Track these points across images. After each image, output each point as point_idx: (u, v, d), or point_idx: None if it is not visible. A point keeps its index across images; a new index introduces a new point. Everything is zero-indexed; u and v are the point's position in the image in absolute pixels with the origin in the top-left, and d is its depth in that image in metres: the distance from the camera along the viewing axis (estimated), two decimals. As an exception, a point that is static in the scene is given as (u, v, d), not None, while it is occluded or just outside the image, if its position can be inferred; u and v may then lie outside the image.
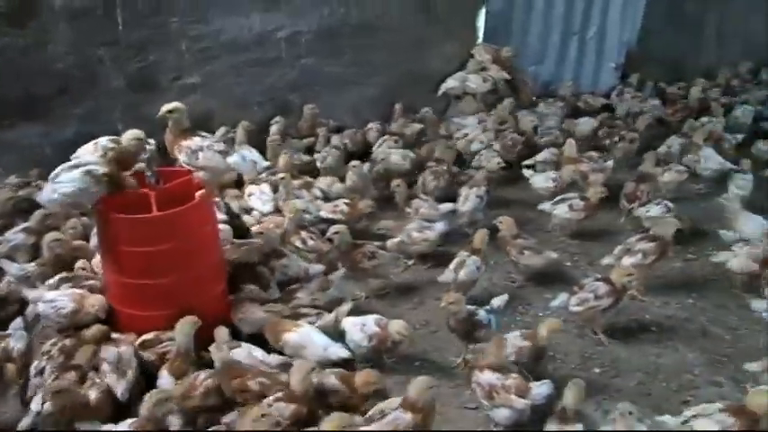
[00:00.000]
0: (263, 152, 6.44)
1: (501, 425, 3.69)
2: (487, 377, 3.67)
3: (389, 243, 5.30)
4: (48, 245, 4.70)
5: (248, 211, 5.71)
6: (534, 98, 8.35)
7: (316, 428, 3.38)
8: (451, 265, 4.86)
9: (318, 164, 6.58)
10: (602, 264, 5.07)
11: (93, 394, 3.61)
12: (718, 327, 4.77)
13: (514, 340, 4.01)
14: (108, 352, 3.86)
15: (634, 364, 4.35)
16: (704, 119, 7.81)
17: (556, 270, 5.34)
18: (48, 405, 3.47)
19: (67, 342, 3.94)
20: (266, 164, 6.30)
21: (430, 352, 4.45)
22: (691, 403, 3.88)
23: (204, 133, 4.28)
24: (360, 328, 4.14)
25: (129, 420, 3.46)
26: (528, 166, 6.70)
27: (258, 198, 5.75)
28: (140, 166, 4.24)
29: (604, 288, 4.43)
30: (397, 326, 4.13)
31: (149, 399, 3.41)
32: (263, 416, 3.36)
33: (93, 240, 4.87)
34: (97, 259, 4.63)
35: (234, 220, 5.27)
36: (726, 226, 5.61)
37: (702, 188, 6.56)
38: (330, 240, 5.00)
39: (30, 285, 4.48)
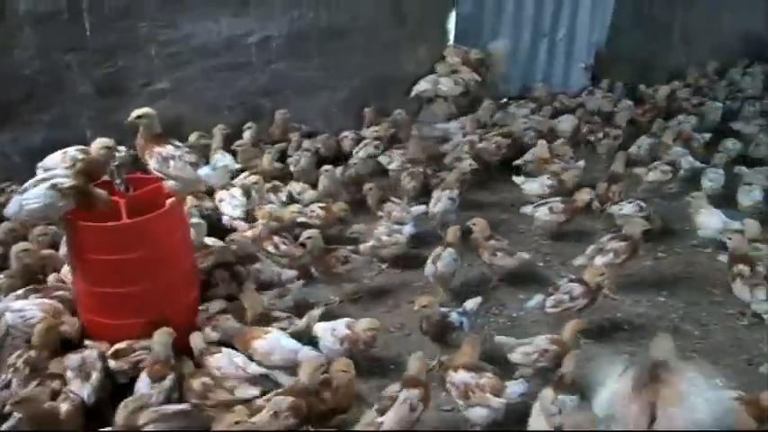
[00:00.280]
0: (235, 156, 6.48)
1: (477, 424, 3.71)
2: (462, 376, 3.70)
3: (362, 247, 5.29)
4: (16, 255, 4.61)
5: (219, 218, 5.65)
6: (507, 99, 8.42)
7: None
8: (429, 260, 4.91)
9: (291, 167, 6.54)
10: (575, 264, 5.11)
11: (64, 407, 3.53)
12: (689, 323, 4.83)
13: (540, 342, 4.05)
14: (70, 360, 3.80)
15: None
16: (681, 116, 7.95)
17: (528, 271, 5.36)
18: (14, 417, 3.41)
19: (32, 354, 3.85)
20: (238, 167, 6.31)
21: (404, 355, 4.38)
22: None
23: (177, 142, 4.23)
24: (330, 333, 4.15)
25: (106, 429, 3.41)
26: (517, 168, 6.74)
27: (228, 203, 5.66)
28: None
29: (579, 289, 4.48)
30: (364, 324, 4.15)
31: (125, 407, 3.36)
32: (236, 422, 3.32)
33: (63, 249, 4.80)
34: (66, 269, 4.57)
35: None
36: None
37: (674, 187, 6.65)
38: (303, 245, 4.99)
39: (-3, 298, 4.39)
